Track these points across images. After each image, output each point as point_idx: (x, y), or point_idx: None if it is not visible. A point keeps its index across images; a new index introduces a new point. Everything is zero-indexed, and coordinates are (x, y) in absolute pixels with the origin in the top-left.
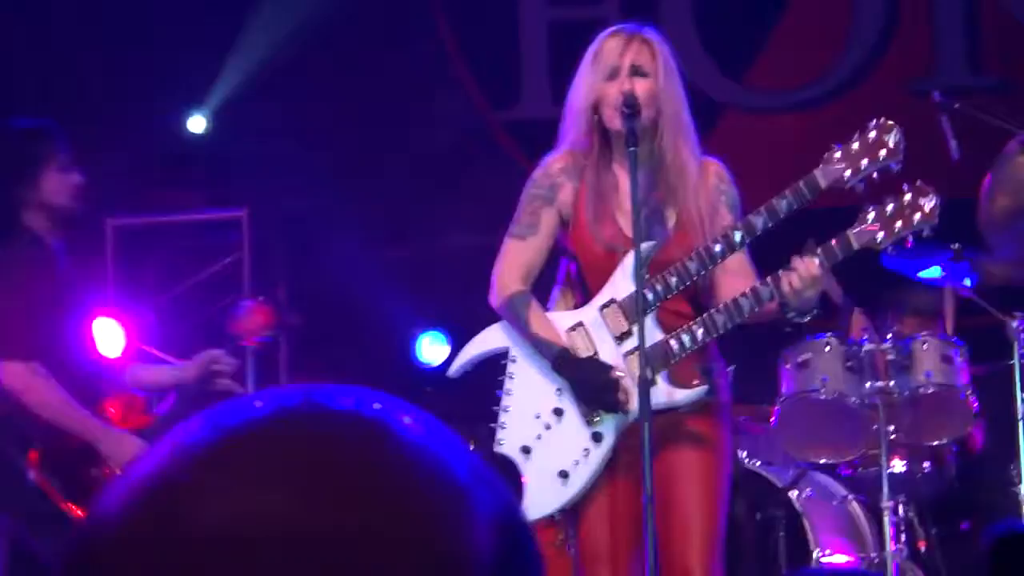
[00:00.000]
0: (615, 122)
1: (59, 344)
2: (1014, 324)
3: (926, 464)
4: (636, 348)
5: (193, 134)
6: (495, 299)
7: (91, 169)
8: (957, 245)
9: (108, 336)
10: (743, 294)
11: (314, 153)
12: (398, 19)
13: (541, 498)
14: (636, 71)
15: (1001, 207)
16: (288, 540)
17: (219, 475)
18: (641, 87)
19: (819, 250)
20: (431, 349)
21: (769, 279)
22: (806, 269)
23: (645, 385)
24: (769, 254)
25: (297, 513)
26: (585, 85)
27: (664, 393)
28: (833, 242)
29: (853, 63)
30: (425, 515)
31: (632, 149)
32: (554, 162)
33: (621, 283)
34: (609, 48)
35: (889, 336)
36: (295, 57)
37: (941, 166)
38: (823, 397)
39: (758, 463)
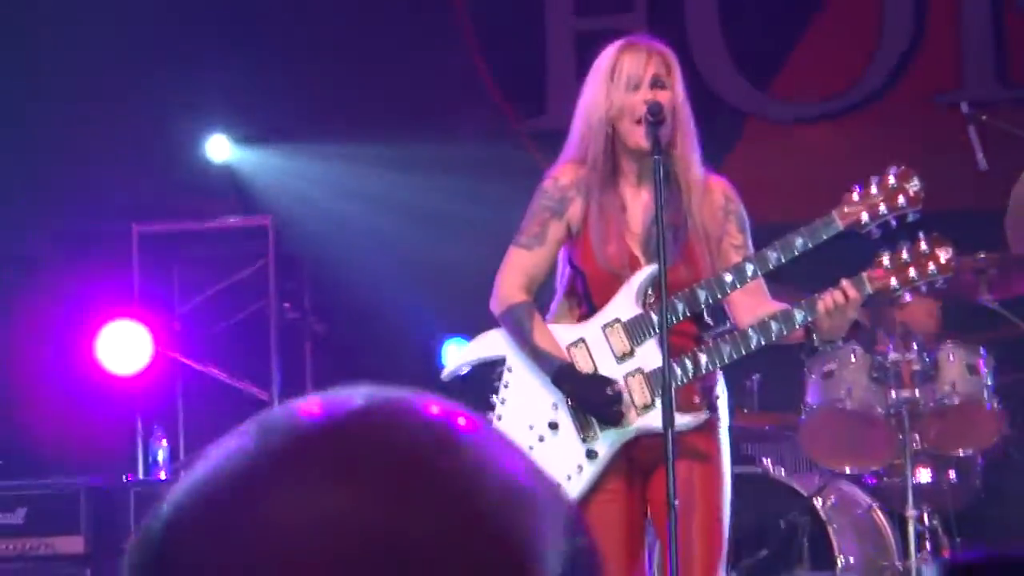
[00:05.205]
0: (635, 136)
1: None
2: None
3: (951, 474)
4: (638, 369)
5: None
6: (497, 307)
7: (118, 175)
8: (982, 255)
9: (134, 342)
10: (773, 316)
11: (339, 162)
12: (424, 29)
13: None
14: (657, 83)
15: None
16: (362, 541)
17: (286, 481)
18: (663, 98)
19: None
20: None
21: (803, 302)
22: (847, 290)
23: (668, 393)
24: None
25: (371, 515)
26: (602, 97)
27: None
28: (847, 281)
29: (880, 74)
30: (499, 518)
31: (656, 157)
32: (563, 174)
33: (626, 303)
34: (629, 61)
35: (915, 346)
36: (320, 68)
37: (968, 177)
38: (848, 407)
39: (783, 471)
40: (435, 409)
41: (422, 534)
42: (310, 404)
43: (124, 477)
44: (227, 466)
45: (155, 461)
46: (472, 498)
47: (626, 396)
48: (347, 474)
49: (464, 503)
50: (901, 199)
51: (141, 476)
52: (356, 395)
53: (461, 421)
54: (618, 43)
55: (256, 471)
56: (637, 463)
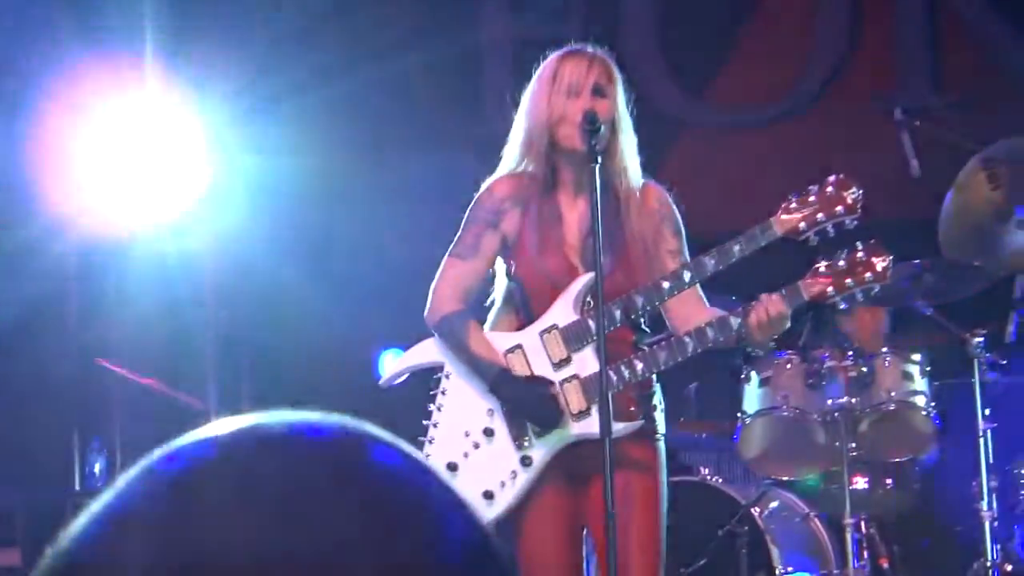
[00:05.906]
0: (574, 140)
1: None
2: (975, 342)
3: (888, 481)
4: (574, 376)
5: None
6: (432, 317)
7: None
8: (917, 261)
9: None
10: (709, 323)
11: (274, 168)
12: (364, 35)
13: None
14: (598, 91)
15: (960, 223)
16: (260, 565)
17: (191, 504)
18: (602, 107)
19: (781, 292)
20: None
21: (740, 310)
22: (774, 306)
23: (605, 401)
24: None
25: (268, 538)
26: (544, 104)
27: (598, 424)
28: (784, 291)
29: (815, 81)
30: (398, 538)
31: (593, 165)
32: (499, 185)
33: (564, 310)
34: (571, 68)
35: (850, 353)
36: (249, 76)
37: (902, 183)
38: (785, 414)
39: (720, 480)
40: (343, 432)
41: (322, 555)
42: (215, 428)
43: (62, 489)
44: (130, 494)
45: (92, 473)
46: (373, 518)
47: (562, 402)
48: (250, 498)
49: (364, 523)
50: (839, 207)
51: (79, 488)
52: (264, 418)
53: (369, 442)
54: (561, 50)
55: (159, 498)
56: (574, 473)
